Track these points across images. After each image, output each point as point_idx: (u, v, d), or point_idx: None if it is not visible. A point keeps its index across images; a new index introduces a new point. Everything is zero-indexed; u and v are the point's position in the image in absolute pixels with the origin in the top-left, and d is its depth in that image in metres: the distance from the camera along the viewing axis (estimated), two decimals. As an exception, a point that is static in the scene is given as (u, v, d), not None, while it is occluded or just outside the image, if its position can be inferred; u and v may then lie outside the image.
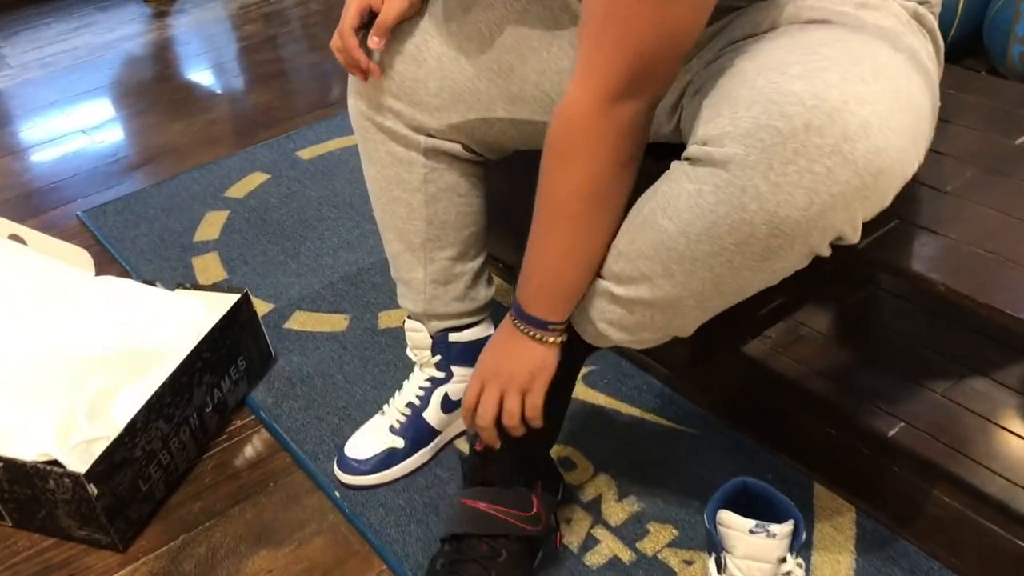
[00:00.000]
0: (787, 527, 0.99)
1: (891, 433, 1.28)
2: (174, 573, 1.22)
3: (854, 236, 0.81)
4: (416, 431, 1.31)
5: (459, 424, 1.35)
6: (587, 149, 0.87)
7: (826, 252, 0.83)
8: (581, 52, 0.85)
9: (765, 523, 0.98)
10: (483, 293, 1.28)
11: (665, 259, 0.87)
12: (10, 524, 1.30)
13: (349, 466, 1.29)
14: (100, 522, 1.21)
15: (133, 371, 1.33)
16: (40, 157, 2.29)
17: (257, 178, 2.06)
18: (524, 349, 1.01)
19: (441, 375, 1.31)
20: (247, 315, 1.45)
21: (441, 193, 1.19)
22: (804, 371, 1.39)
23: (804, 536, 0.99)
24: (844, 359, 1.41)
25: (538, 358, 1.01)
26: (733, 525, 1.00)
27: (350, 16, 1.08)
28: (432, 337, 1.29)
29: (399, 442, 1.30)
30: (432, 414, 1.31)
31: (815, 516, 1.20)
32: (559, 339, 1.01)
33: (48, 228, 1.97)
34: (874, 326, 1.47)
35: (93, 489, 1.18)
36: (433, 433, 1.32)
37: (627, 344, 0.99)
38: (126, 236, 1.90)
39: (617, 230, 0.92)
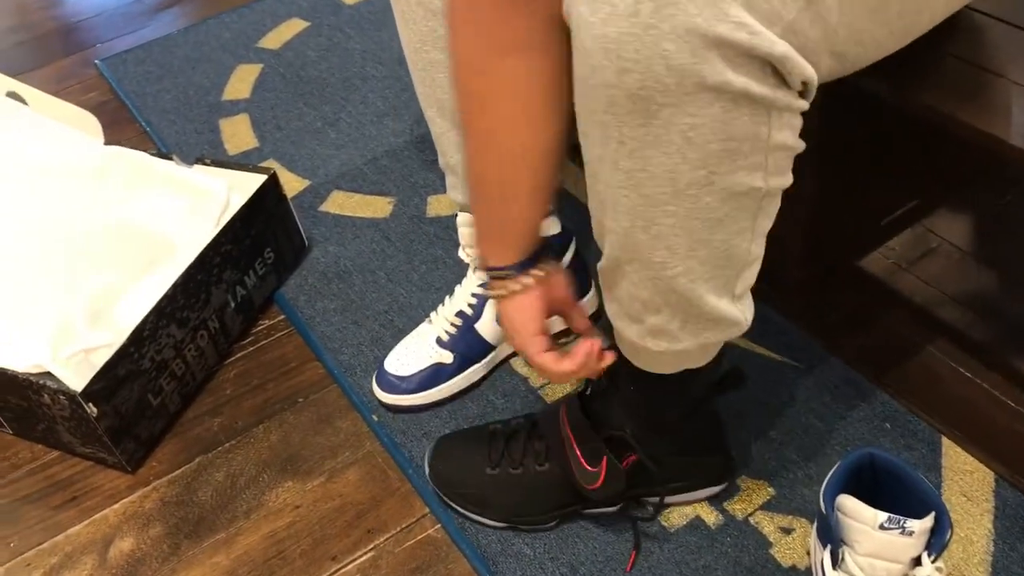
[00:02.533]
0: (927, 523, 0.78)
1: (1042, 380, 1.05)
2: (188, 502, 1.07)
3: (753, 39, 0.56)
4: (467, 345, 1.11)
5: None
6: (458, 22, 0.70)
7: (734, 81, 0.58)
8: None
9: (900, 517, 0.78)
10: None
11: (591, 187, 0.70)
12: (10, 432, 1.16)
13: (389, 383, 1.11)
14: (104, 443, 1.06)
15: (141, 266, 1.15)
16: (58, -8, 2.05)
17: (295, 26, 1.80)
18: (501, 308, 0.84)
19: None
20: (275, 200, 1.24)
21: None
22: (934, 294, 1.15)
23: (949, 535, 0.79)
24: (984, 281, 1.16)
25: (518, 317, 0.83)
26: (858, 516, 0.80)
27: (536, 345, 0.84)
28: None
29: (447, 357, 1.11)
30: (486, 326, 1.11)
31: (943, 481, 0.99)
32: (523, 281, 0.81)
33: (64, 79, 1.76)
34: (1021, 240, 1.21)
35: (92, 409, 1.02)
36: (486, 348, 1.13)
37: (668, 352, 0.80)
38: (148, 91, 1.68)
39: (521, 155, 0.74)
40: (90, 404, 1.01)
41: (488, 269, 0.82)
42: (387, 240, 1.34)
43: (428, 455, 1.02)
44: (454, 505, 1.00)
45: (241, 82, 1.68)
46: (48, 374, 1.02)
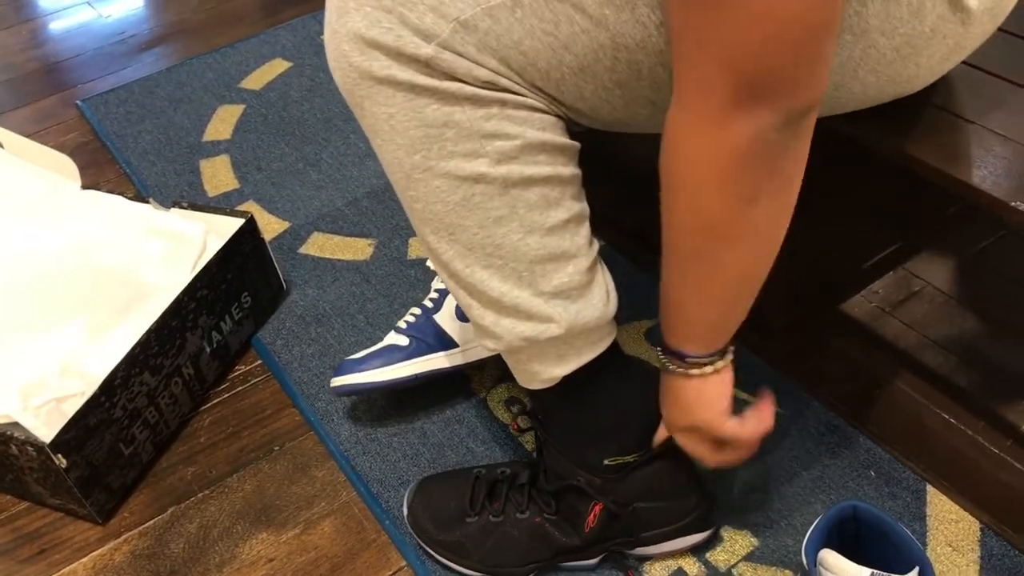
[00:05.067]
0: (912, 578, 0.77)
1: (1027, 426, 1.04)
2: (159, 554, 1.04)
3: (400, 42, 0.67)
4: (423, 332, 1.09)
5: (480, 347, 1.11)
6: (694, 179, 0.65)
7: (399, 74, 0.68)
8: (673, 47, 0.62)
9: (883, 573, 0.76)
10: None
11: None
12: (-22, 482, 1.13)
13: (342, 367, 1.09)
14: (73, 494, 1.03)
15: (115, 312, 1.13)
16: (41, 32, 2.04)
17: (277, 66, 1.80)
18: (679, 385, 0.81)
19: None
20: (253, 243, 1.23)
21: None
22: (918, 339, 1.14)
23: (934, 591, 0.77)
24: (968, 325, 1.16)
25: (698, 393, 0.81)
26: (840, 571, 0.78)
27: (725, 417, 0.82)
28: None
29: (403, 340, 1.09)
30: (445, 318, 1.09)
31: (928, 530, 0.98)
32: (709, 369, 0.79)
33: (44, 119, 1.75)
34: (1007, 283, 1.20)
35: (61, 460, 0.99)
36: (444, 340, 1.09)
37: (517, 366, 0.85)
38: (128, 132, 1.67)
39: (764, 268, 0.72)
40: (59, 455, 0.99)
41: (686, 356, 0.79)
42: (367, 283, 1.33)
43: (408, 496, 1.00)
44: (431, 551, 0.98)
45: (223, 123, 1.67)
46: (16, 424, 1.00)
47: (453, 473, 1.02)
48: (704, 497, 0.95)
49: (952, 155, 0.81)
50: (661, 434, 0.89)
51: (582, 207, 0.77)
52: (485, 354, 1.10)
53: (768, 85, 0.59)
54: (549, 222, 0.74)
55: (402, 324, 1.11)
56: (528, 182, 0.72)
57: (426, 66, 0.67)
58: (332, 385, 1.09)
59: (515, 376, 0.87)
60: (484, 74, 0.68)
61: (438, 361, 1.09)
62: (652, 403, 0.87)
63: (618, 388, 0.87)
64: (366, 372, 1.07)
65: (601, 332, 0.83)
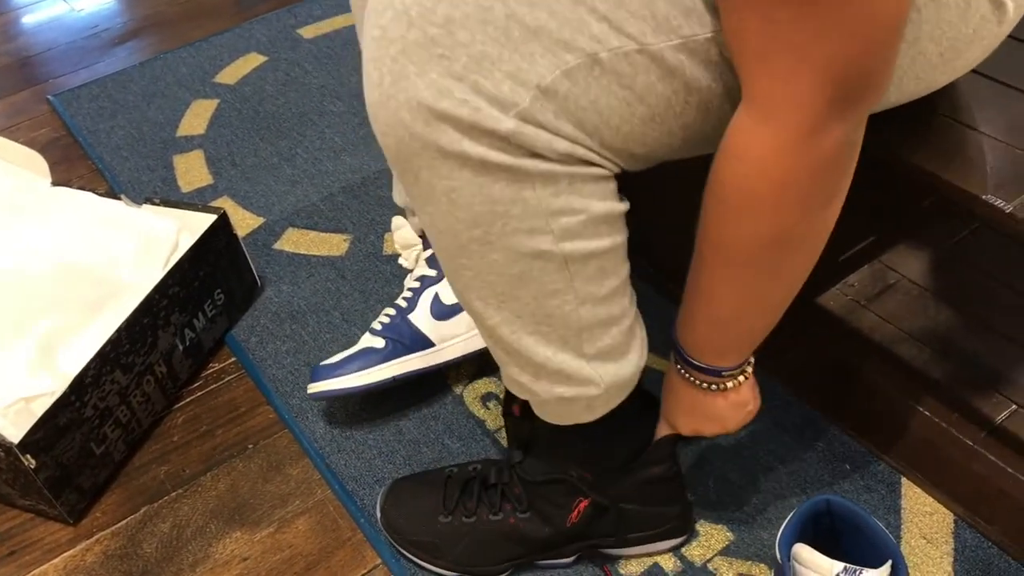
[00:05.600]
0: (884, 572, 0.77)
1: (1001, 418, 1.04)
2: (132, 554, 1.03)
3: (476, 115, 0.61)
4: (399, 332, 1.08)
5: (458, 341, 1.10)
6: (772, 198, 0.63)
7: (471, 150, 0.62)
8: (751, 67, 0.59)
9: (856, 567, 0.76)
10: None
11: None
12: (-53, 483, 1.11)
13: (317, 373, 1.08)
14: (43, 495, 1.02)
15: (86, 310, 1.12)
16: (12, 26, 2.01)
17: (252, 60, 1.78)
18: (711, 401, 0.82)
19: (433, 273, 1.10)
20: (226, 239, 1.22)
21: None
22: (893, 332, 1.14)
23: (906, 584, 0.77)
24: (943, 318, 1.16)
25: (732, 403, 0.83)
26: (814, 566, 0.78)
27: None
28: (421, 233, 1.10)
29: (378, 342, 1.08)
30: (420, 317, 1.08)
31: (903, 523, 0.98)
32: (742, 378, 0.81)
33: (15, 114, 1.72)
34: (982, 276, 1.21)
35: (31, 460, 0.98)
36: (421, 340, 1.08)
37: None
38: (101, 127, 1.65)
39: (814, 265, 0.71)
40: (28, 456, 0.97)
41: (722, 371, 0.80)
42: (342, 279, 1.32)
43: (381, 499, 0.99)
44: (405, 552, 0.97)
45: (197, 118, 1.65)
46: (-15, 425, 0.99)
47: (425, 474, 1.01)
48: (685, 506, 0.96)
49: (925, 149, 0.80)
50: (663, 430, 0.89)
51: (627, 267, 0.75)
52: (462, 353, 1.10)
53: (860, 90, 0.58)
54: (603, 292, 0.72)
55: (377, 325, 1.10)
56: (589, 257, 0.70)
57: (504, 141, 0.62)
58: (309, 392, 1.08)
59: (534, 409, 0.84)
60: (563, 146, 0.63)
61: (415, 362, 1.08)
62: (653, 420, 0.89)
63: (627, 416, 0.87)
64: (342, 377, 1.06)
65: (633, 383, 0.82)
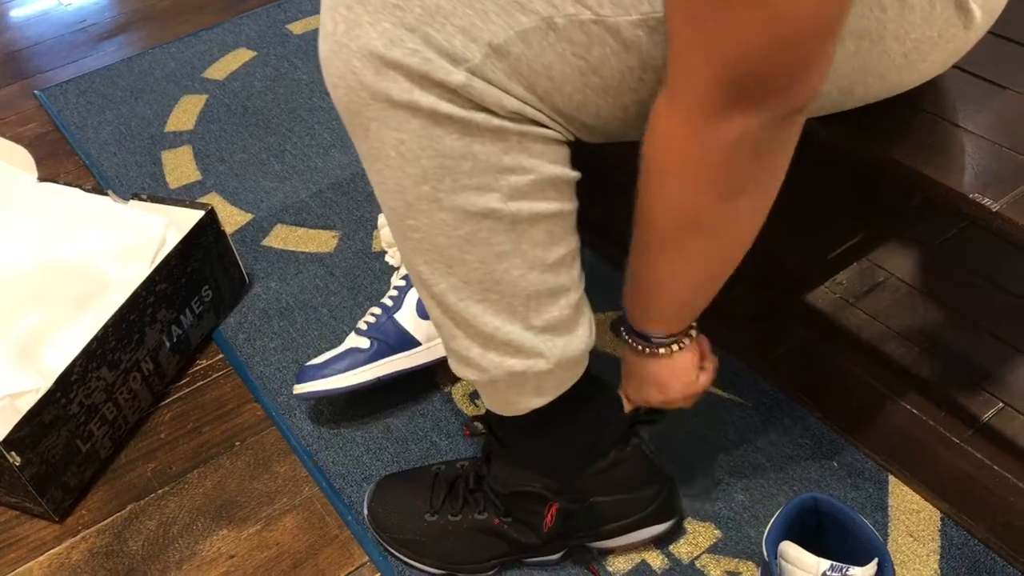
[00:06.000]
0: (870, 570, 0.77)
1: (988, 416, 1.04)
2: (117, 552, 1.02)
3: (427, 66, 0.61)
4: (385, 333, 1.08)
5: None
6: (675, 175, 0.65)
7: (421, 100, 0.62)
8: (670, 45, 0.60)
9: (842, 565, 0.76)
10: None
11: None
12: (-68, 480, 1.11)
13: (303, 374, 1.07)
14: (28, 492, 1.01)
15: (72, 307, 1.11)
16: (-1, 21, 2.00)
17: (241, 56, 1.78)
18: (648, 365, 0.83)
19: None
20: (213, 236, 1.21)
21: None
22: (881, 330, 1.15)
23: (892, 582, 0.78)
24: (930, 316, 1.16)
25: (670, 371, 0.83)
26: (800, 563, 0.78)
27: (695, 387, 0.87)
28: None
29: (364, 342, 1.08)
30: (406, 316, 1.08)
31: (889, 520, 0.98)
32: (676, 347, 0.81)
33: (1, 109, 1.72)
34: (969, 274, 1.21)
35: (15, 458, 0.97)
36: (408, 340, 1.08)
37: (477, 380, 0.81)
38: (88, 122, 1.64)
39: (740, 255, 0.72)
40: (12, 453, 0.97)
41: (651, 338, 0.80)
42: (331, 275, 1.31)
43: (368, 497, 0.99)
44: (392, 550, 0.97)
45: (185, 113, 1.64)
46: (-31, 421, 0.98)
47: (412, 472, 1.01)
48: (663, 487, 0.95)
49: (912, 147, 0.80)
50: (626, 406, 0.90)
51: (577, 240, 0.75)
52: (443, 352, 1.09)
53: (768, 85, 0.58)
54: (551, 258, 0.72)
55: (363, 325, 1.09)
56: (536, 218, 0.69)
57: (453, 93, 0.62)
58: (295, 392, 1.07)
59: (487, 403, 0.85)
60: (513, 104, 0.64)
61: (401, 362, 1.08)
62: (614, 415, 0.89)
63: (583, 409, 0.87)
64: (328, 378, 1.06)
65: (582, 363, 0.82)
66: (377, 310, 1.10)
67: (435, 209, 0.67)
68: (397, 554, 0.97)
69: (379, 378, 1.06)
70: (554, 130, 0.68)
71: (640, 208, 0.69)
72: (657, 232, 0.69)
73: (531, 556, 0.95)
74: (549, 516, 0.90)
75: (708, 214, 0.66)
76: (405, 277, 1.10)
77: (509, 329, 0.74)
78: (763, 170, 0.65)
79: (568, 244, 0.73)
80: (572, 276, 0.75)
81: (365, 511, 0.99)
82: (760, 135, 0.61)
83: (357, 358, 1.07)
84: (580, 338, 0.79)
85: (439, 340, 1.07)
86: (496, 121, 0.64)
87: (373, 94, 0.62)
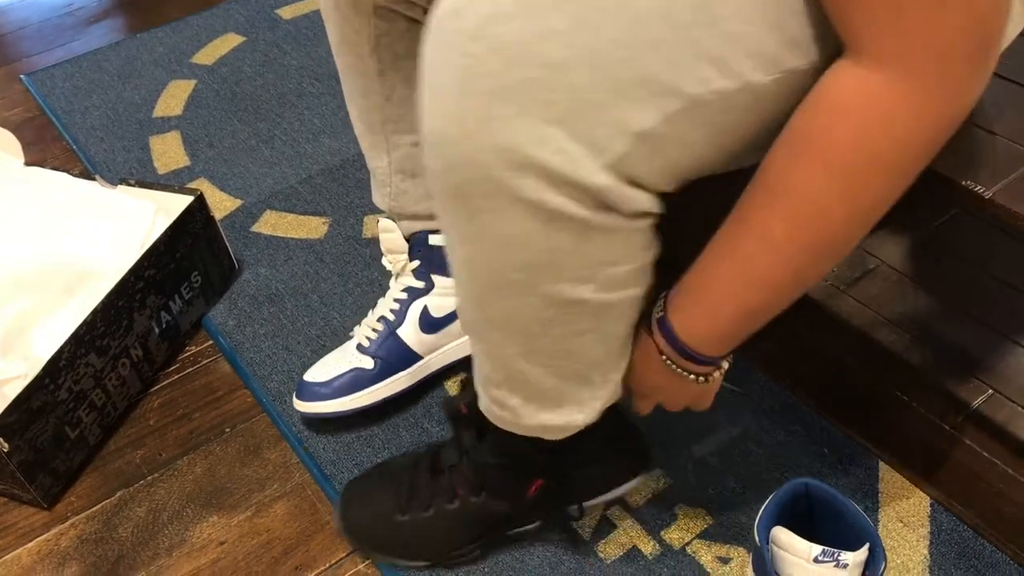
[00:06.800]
0: (861, 555, 0.77)
1: (978, 403, 1.05)
2: (107, 539, 1.02)
3: (570, 166, 0.55)
4: (388, 351, 1.07)
5: (444, 351, 1.11)
6: (888, 162, 0.57)
7: (551, 200, 0.57)
8: (881, 21, 0.52)
9: (834, 550, 0.77)
10: None
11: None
12: (-82, 467, 1.10)
13: (306, 391, 1.07)
14: (16, 478, 1.01)
15: (60, 293, 1.10)
16: (-16, 4, 1.98)
17: (230, 40, 1.76)
18: (686, 385, 0.76)
19: (420, 285, 1.08)
20: (202, 221, 1.20)
21: (398, 62, 0.95)
22: (871, 317, 1.15)
23: (884, 567, 0.78)
24: (921, 304, 1.17)
25: (706, 390, 0.78)
26: (791, 548, 0.78)
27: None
28: (408, 239, 1.07)
29: (368, 362, 1.07)
30: (409, 332, 1.08)
31: (880, 507, 0.98)
32: (724, 366, 0.76)
33: (-13, 93, 1.70)
34: (960, 262, 1.21)
35: (3, 444, 0.97)
36: (410, 357, 1.08)
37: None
38: (76, 107, 1.63)
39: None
40: (1, 439, 0.96)
41: (698, 356, 0.72)
42: (321, 262, 1.31)
43: (338, 507, 0.98)
44: (376, 556, 0.96)
45: (173, 98, 1.63)
46: (-44, 407, 0.97)
47: (374, 472, 0.99)
48: (641, 442, 0.94)
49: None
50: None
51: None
52: (446, 362, 1.12)
53: (997, 38, 0.53)
54: (623, 332, 0.71)
55: (364, 341, 1.08)
56: (623, 301, 0.67)
57: (585, 193, 0.57)
58: (297, 409, 1.07)
59: (494, 420, 0.81)
60: (644, 205, 0.59)
61: (405, 380, 1.09)
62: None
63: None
64: (333, 401, 1.06)
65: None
66: (379, 325, 1.08)
67: (525, 294, 0.64)
68: (382, 559, 0.96)
69: (385, 399, 1.07)
70: (663, 213, 0.63)
71: (799, 208, 0.60)
72: (806, 240, 0.61)
73: (512, 528, 0.95)
74: (534, 488, 0.89)
75: (875, 216, 0.60)
76: (406, 289, 1.09)
77: (564, 388, 0.73)
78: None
79: (637, 316, 0.71)
80: (631, 342, 0.74)
81: (338, 523, 0.97)
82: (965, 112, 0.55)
83: (362, 379, 1.07)
84: (615, 391, 0.77)
85: (438, 352, 1.09)
86: (618, 221, 0.60)
87: (498, 187, 0.57)
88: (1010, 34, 0.71)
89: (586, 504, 0.95)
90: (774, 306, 0.67)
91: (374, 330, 1.08)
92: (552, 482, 0.90)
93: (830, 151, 0.57)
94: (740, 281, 0.65)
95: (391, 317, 1.08)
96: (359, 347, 1.08)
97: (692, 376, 0.74)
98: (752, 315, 0.68)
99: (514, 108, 0.54)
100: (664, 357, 0.72)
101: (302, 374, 1.11)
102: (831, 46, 0.57)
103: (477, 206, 0.59)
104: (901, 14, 0.51)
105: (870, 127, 0.55)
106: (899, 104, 0.54)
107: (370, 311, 1.12)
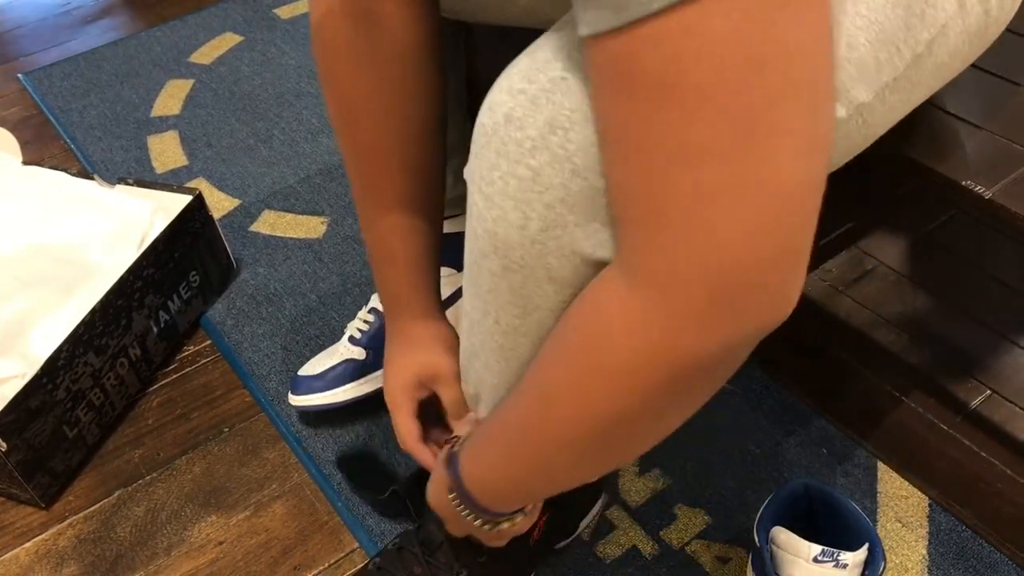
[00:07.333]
0: (861, 555, 0.77)
1: (976, 403, 1.05)
2: (105, 538, 1.02)
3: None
4: (379, 341, 1.06)
5: None
6: (624, 374, 0.53)
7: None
8: (640, 225, 0.49)
9: (833, 550, 0.77)
10: (451, 180, 0.99)
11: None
12: (-84, 467, 1.10)
13: (299, 385, 1.07)
14: (15, 478, 1.00)
15: (58, 292, 1.10)
16: (-18, 3, 1.98)
17: (228, 40, 1.76)
18: (473, 525, 0.74)
19: None
20: (201, 221, 1.20)
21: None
22: (870, 317, 1.15)
23: (883, 567, 0.78)
24: (920, 304, 1.17)
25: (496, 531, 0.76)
26: (791, 548, 0.78)
27: (406, 429, 0.85)
28: None
29: (359, 353, 1.07)
30: None
31: (879, 507, 0.98)
32: (528, 507, 0.76)
33: (-15, 92, 1.70)
34: (959, 262, 1.21)
35: (1, 444, 0.96)
36: None
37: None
38: (73, 106, 1.62)
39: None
40: (-2, 438, 0.96)
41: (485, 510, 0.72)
42: (320, 261, 1.30)
43: None
44: None
45: (171, 98, 1.63)
46: (-46, 407, 0.97)
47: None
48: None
49: (904, 135, 0.80)
50: None
51: None
52: None
53: (767, 288, 0.49)
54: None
55: (356, 333, 1.08)
56: None
57: None
58: (291, 403, 1.07)
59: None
60: None
61: None
62: None
63: None
64: (326, 393, 1.06)
65: None
66: (370, 317, 1.08)
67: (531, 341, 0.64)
68: None
69: (378, 389, 1.06)
70: None
71: (537, 399, 0.60)
72: (555, 430, 0.60)
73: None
74: (536, 532, 0.88)
75: (626, 430, 0.57)
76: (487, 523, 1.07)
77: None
78: (712, 391, 0.57)
79: None
80: None
81: None
82: (741, 349, 0.52)
83: (354, 371, 1.06)
84: None
85: None
86: None
87: (560, 287, 0.58)
88: (992, 34, 0.71)
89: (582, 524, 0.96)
90: (548, 480, 0.66)
91: (365, 322, 1.08)
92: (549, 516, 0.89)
93: (572, 343, 0.56)
94: (508, 444, 0.65)
95: (381, 308, 1.08)
96: (351, 339, 1.08)
97: (477, 522, 0.72)
98: (524, 482, 0.67)
99: (580, 217, 0.54)
100: (452, 495, 0.71)
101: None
102: (862, 96, 0.58)
103: (534, 306, 0.60)
104: (656, 226, 0.48)
105: (605, 339, 0.53)
106: (644, 323, 0.50)
107: (363, 307, 1.12)
